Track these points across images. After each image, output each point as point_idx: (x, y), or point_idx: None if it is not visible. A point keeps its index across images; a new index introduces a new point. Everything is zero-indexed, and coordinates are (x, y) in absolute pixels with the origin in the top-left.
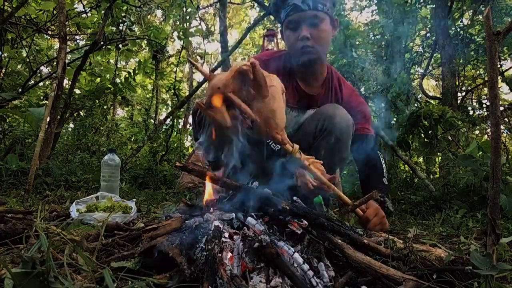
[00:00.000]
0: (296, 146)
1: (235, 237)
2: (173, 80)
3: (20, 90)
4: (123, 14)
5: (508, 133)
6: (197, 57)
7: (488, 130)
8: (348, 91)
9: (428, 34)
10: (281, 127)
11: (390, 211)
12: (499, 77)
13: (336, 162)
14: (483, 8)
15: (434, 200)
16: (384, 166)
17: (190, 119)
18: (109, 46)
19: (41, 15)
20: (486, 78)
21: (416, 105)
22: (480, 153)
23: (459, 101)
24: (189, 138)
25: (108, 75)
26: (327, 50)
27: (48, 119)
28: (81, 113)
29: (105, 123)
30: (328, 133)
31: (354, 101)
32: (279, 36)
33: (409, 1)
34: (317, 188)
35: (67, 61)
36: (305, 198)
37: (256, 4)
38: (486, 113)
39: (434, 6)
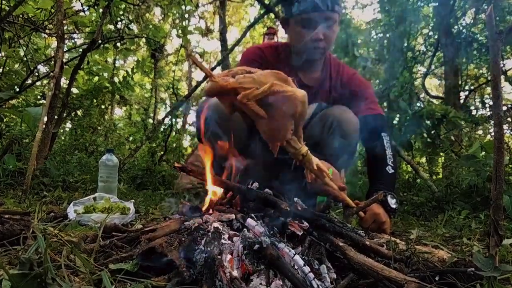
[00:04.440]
0: (305, 149)
1: (234, 238)
2: (172, 79)
3: (17, 89)
4: (121, 13)
5: (511, 133)
6: (197, 55)
7: (491, 130)
8: (348, 75)
9: (431, 33)
10: (283, 140)
11: (393, 209)
12: (502, 76)
13: (342, 164)
14: (486, 7)
15: (436, 201)
16: (388, 151)
17: (188, 119)
18: (107, 45)
19: (38, 14)
20: (489, 77)
21: (418, 104)
22: (483, 153)
23: (461, 101)
24: (188, 138)
25: (106, 74)
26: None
27: (45, 119)
28: (79, 112)
29: (103, 123)
30: (335, 135)
31: (355, 82)
32: (280, 34)
33: None
34: (320, 188)
35: (64, 60)
36: (309, 196)
37: (256, 2)
38: (489, 113)
39: (436, 4)
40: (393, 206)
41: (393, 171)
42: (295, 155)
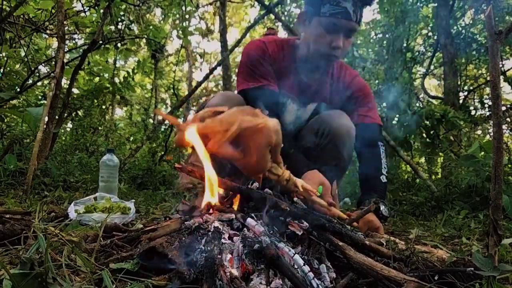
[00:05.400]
0: (287, 173)
1: (235, 238)
2: (172, 80)
3: (18, 89)
4: (122, 13)
5: (510, 133)
6: (197, 56)
7: (490, 130)
8: (351, 77)
9: (430, 33)
10: (263, 171)
11: (385, 217)
12: (501, 77)
13: (338, 171)
14: (485, 7)
15: (436, 201)
16: (384, 161)
17: (188, 119)
18: (107, 45)
19: (39, 14)
20: (488, 78)
21: (418, 104)
22: (482, 153)
23: (461, 101)
24: None
25: (106, 75)
26: None
27: (46, 119)
28: (80, 113)
29: (103, 123)
30: (328, 142)
31: (357, 86)
32: (279, 35)
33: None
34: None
35: (65, 60)
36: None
37: (256, 3)
38: (488, 113)
39: (435, 5)
40: (385, 214)
41: (386, 180)
42: (278, 182)
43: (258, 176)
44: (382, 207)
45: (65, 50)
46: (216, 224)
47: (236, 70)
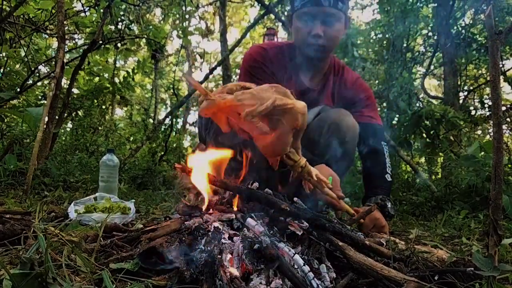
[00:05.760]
0: (303, 160)
1: (235, 238)
2: (172, 80)
3: (18, 89)
4: (121, 13)
5: (510, 133)
6: (197, 56)
7: (490, 130)
8: (352, 78)
9: (430, 33)
10: (283, 154)
11: (392, 215)
12: (501, 77)
13: (341, 169)
14: (485, 7)
15: (436, 201)
16: (388, 160)
17: (188, 119)
18: (107, 45)
19: (39, 14)
20: (488, 78)
21: (418, 104)
22: (482, 153)
23: (461, 101)
24: (188, 138)
25: (106, 75)
26: (335, 48)
27: (46, 119)
28: (80, 113)
29: (103, 123)
30: (333, 139)
31: (358, 87)
32: (279, 34)
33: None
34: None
35: (65, 60)
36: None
37: (256, 3)
38: (488, 113)
39: (435, 5)
40: (391, 212)
41: (391, 179)
42: (294, 167)
43: (275, 158)
44: (388, 205)
45: (65, 50)
46: (216, 224)
47: (237, 70)
